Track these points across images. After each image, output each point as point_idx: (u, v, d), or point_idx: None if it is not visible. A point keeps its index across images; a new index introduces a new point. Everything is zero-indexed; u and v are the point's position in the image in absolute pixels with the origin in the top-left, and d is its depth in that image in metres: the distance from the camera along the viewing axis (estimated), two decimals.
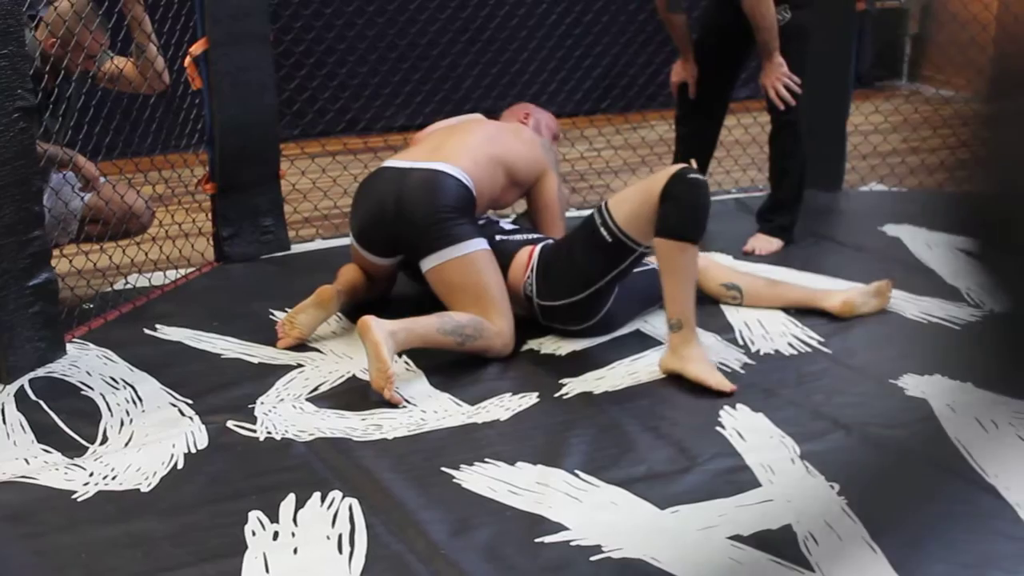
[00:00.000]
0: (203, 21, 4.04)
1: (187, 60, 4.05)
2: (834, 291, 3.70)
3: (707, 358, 3.23)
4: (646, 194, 3.27)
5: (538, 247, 3.54)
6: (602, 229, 3.33)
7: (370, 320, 3.14)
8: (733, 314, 3.66)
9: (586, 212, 3.61)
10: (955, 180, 1.34)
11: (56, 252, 3.62)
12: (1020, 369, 1.42)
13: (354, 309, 3.62)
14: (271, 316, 3.70)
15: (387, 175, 3.56)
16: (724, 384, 3.13)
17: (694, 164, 3.34)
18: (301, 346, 3.48)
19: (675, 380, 3.21)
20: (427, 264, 3.43)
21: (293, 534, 2.50)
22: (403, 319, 3.25)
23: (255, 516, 2.56)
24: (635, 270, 3.44)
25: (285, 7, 5.40)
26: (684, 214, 3.20)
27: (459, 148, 3.59)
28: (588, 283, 3.40)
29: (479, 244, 3.43)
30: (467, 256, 3.39)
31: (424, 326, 3.27)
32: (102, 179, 3.90)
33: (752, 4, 4.05)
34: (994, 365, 1.51)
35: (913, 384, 3.13)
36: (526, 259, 3.52)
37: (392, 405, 3.08)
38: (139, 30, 3.82)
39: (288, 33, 5.32)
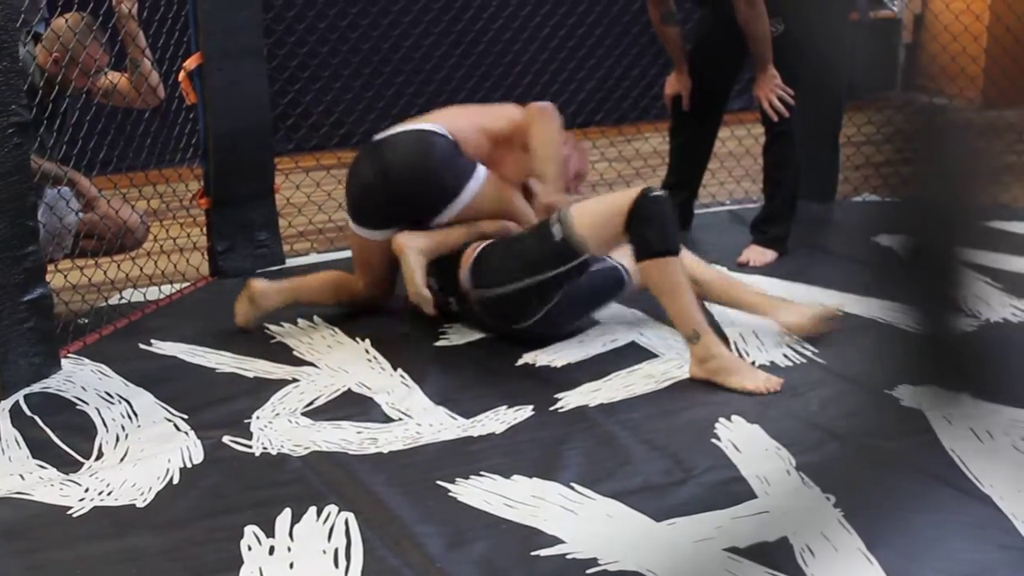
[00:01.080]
0: (197, 36, 4.05)
1: (181, 75, 4.05)
2: (792, 306, 3.59)
3: (737, 361, 3.26)
4: (609, 210, 3.31)
5: (482, 243, 3.57)
6: (554, 227, 3.36)
7: (404, 241, 3.52)
8: (728, 326, 3.66)
9: None
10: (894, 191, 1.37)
11: (51, 267, 3.62)
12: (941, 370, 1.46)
13: (336, 315, 3.74)
14: (266, 331, 3.70)
15: (369, 148, 3.69)
16: (770, 383, 3.18)
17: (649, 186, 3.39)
18: (296, 360, 3.49)
19: (670, 392, 3.21)
20: (439, 222, 3.61)
21: (289, 548, 2.50)
22: (435, 232, 3.60)
23: (251, 531, 2.55)
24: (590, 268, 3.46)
25: (279, 21, 5.40)
26: (659, 231, 3.25)
27: (438, 115, 3.73)
28: (527, 271, 3.40)
29: (478, 179, 3.58)
30: (475, 196, 3.58)
31: (454, 238, 3.59)
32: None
33: (746, 17, 4.06)
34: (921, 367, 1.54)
35: (907, 395, 3.12)
36: (469, 254, 3.56)
37: (391, 419, 3.09)
38: (133, 45, 3.83)
39: (282, 47, 5.33)
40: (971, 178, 1.41)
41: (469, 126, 3.66)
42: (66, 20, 3.69)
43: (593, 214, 3.35)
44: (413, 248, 3.54)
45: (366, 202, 3.65)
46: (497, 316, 3.53)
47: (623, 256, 3.59)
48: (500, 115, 3.76)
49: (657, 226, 3.25)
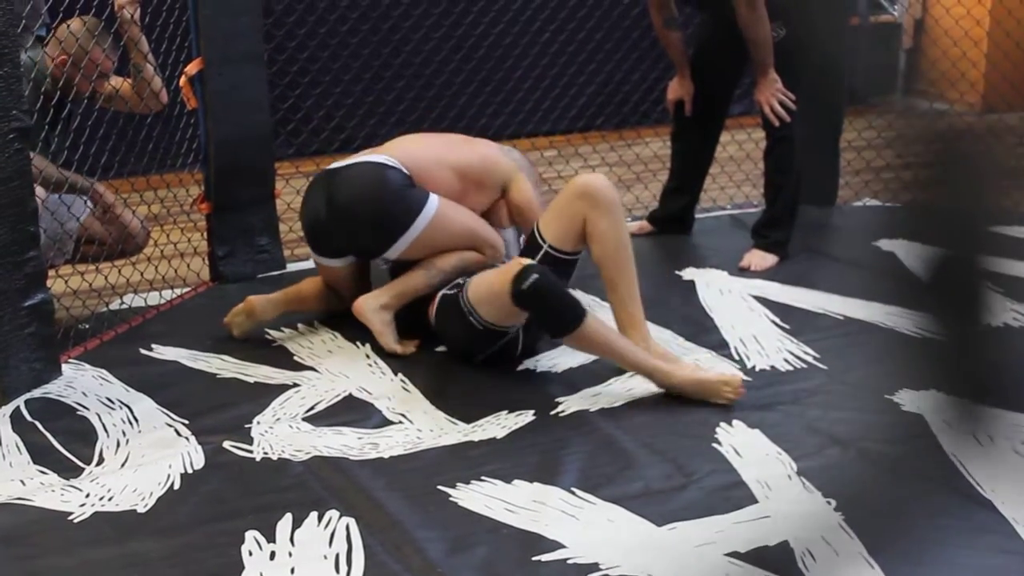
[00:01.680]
0: (198, 41, 4.05)
1: (182, 80, 4.06)
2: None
3: (696, 381, 3.18)
4: (500, 299, 3.22)
5: (438, 297, 3.51)
6: (471, 318, 3.33)
7: (362, 305, 3.54)
8: (728, 330, 3.66)
9: None
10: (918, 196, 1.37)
11: (51, 272, 3.62)
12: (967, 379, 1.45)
13: (336, 320, 3.76)
14: (266, 335, 3.70)
15: (320, 179, 3.68)
16: (732, 387, 3.14)
17: (522, 262, 3.22)
18: (297, 365, 3.49)
19: (671, 396, 3.21)
20: (393, 253, 3.57)
21: (290, 554, 2.50)
22: (394, 283, 3.60)
23: (252, 536, 2.55)
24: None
25: (279, 27, 5.41)
26: (551, 316, 3.20)
27: (397, 145, 3.70)
28: (479, 349, 3.42)
29: (431, 209, 3.52)
30: (428, 226, 3.52)
31: (414, 284, 3.55)
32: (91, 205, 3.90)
33: (748, 21, 4.06)
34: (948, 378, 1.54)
35: (909, 400, 3.13)
36: (431, 307, 3.52)
37: (391, 424, 3.09)
38: (136, 51, 3.84)
39: (282, 52, 5.34)
40: (975, 183, 1.42)
41: (430, 158, 3.61)
42: (68, 25, 3.70)
43: (487, 303, 3.28)
44: (373, 309, 3.55)
45: (317, 233, 3.65)
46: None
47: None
48: (475, 155, 3.71)
49: (547, 313, 3.20)
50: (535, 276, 3.14)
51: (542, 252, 3.40)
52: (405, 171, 3.55)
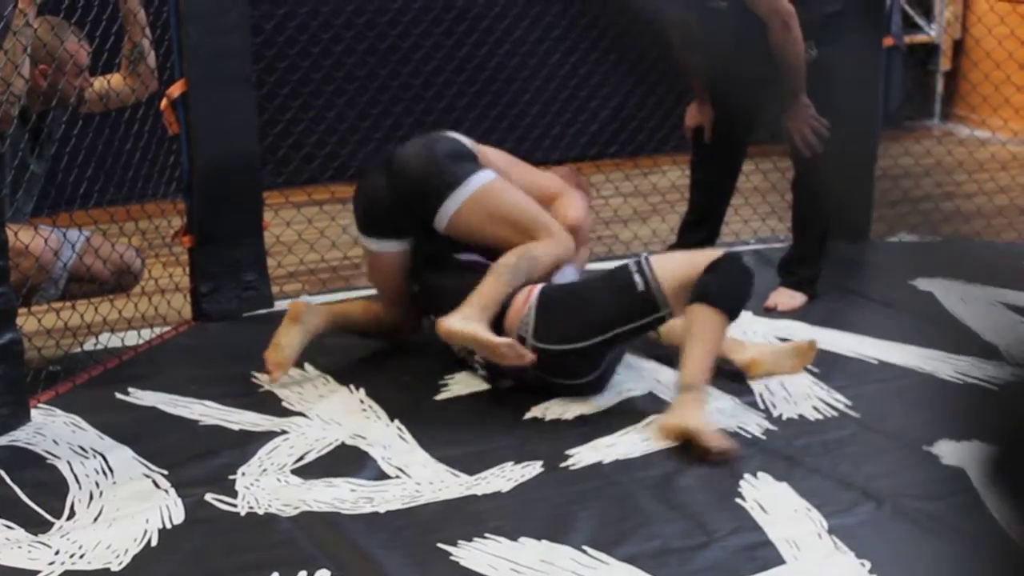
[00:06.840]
0: (181, 61, 4.07)
1: (164, 103, 4.07)
2: (747, 344, 3.73)
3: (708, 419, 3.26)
4: (692, 263, 3.41)
5: (538, 287, 3.52)
6: (636, 276, 3.40)
7: (449, 323, 3.41)
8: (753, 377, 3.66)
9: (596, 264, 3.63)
10: None
11: (23, 310, 3.62)
12: None
13: (327, 362, 3.77)
14: (253, 379, 3.70)
15: (382, 155, 3.84)
16: (722, 443, 3.18)
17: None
18: (285, 411, 3.49)
19: (690, 448, 3.21)
20: (442, 219, 3.63)
21: None
22: (470, 299, 3.45)
23: None
24: None
25: (269, 46, 5.44)
26: (723, 285, 3.35)
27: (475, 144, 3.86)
28: (603, 328, 3.41)
29: (487, 175, 3.63)
30: (481, 189, 3.61)
31: (490, 292, 3.48)
32: (86, 233, 3.88)
33: (782, 43, 4.02)
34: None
35: (949, 451, 3.12)
36: (524, 299, 3.49)
37: (387, 476, 3.09)
38: (134, 24, 3.84)
39: (272, 74, 5.36)
40: None
41: (499, 160, 3.79)
42: (35, 29, 3.62)
43: (675, 262, 3.47)
44: (457, 318, 3.43)
45: (372, 205, 3.73)
46: (552, 370, 3.49)
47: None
48: (538, 182, 3.89)
49: (725, 280, 3.36)
50: (746, 259, 3.54)
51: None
52: (471, 147, 3.72)
